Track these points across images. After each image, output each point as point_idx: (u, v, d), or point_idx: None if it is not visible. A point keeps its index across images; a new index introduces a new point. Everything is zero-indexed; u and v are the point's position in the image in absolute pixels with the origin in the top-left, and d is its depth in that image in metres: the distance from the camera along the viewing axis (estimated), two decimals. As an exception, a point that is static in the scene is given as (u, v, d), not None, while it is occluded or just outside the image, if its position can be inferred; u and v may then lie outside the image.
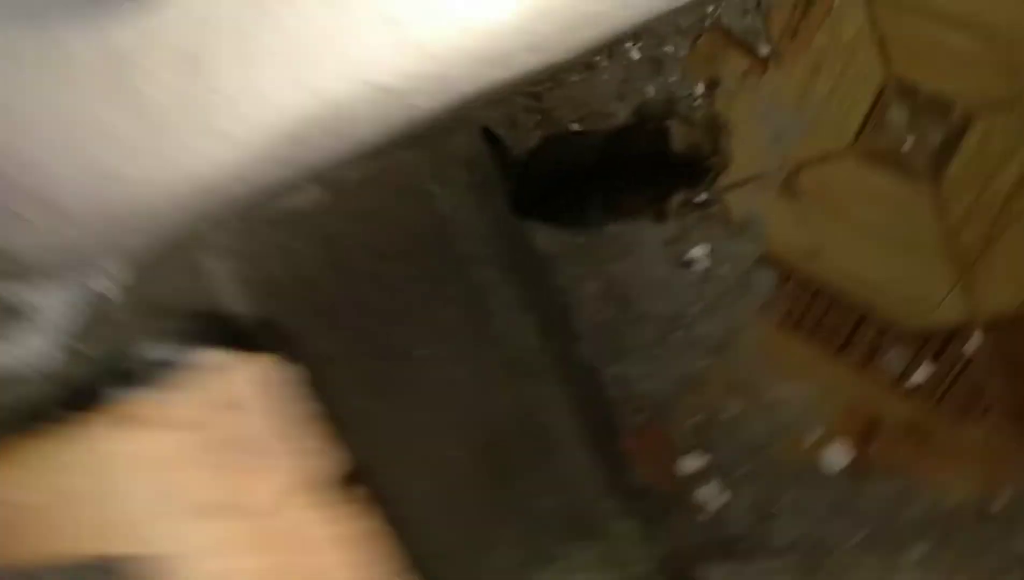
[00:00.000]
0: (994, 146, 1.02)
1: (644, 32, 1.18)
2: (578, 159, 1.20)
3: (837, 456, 1.27)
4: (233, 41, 0.54)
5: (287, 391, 0.74)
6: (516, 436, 1.31)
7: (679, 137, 1.11)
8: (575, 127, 1.29)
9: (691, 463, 1.42)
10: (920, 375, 1.18)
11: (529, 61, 0.65)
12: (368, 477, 1.09)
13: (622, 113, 1.25)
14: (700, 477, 1.42)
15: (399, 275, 1.21)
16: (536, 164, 1.28)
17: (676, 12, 1.14)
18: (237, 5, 0.52)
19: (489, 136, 1.33)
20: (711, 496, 1.41)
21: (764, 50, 1.12)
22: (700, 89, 1.19)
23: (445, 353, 1.24)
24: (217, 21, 0.55)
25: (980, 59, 0.99)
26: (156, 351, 0.75)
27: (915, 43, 1.02)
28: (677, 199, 1.20)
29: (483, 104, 1.29)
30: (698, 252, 1.28)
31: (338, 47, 0.56)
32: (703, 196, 1.24)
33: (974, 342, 1.12)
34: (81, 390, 0.72)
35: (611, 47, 1.22)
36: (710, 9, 1.13)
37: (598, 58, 1.24)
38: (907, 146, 1.07)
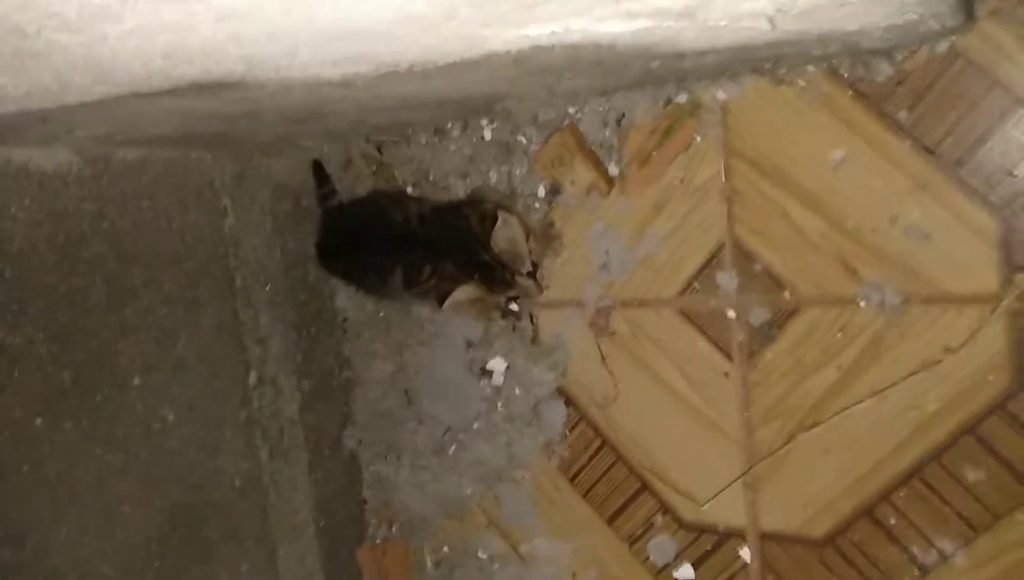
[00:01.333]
0: (817, 342, 0.91)
1: (501, 114, 1.06)
2: (398, 226, 1.06)
3: (576, 638, 1.11)
4: None
5: None
6: (228, 513, 1.10)
7: (503, 236, 0.98)
8: (407, 190, 1.16)
9: (429, 588, 1.23)
10: (683, 574, 1.03)
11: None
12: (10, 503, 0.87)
13: (460, 190, 1.12)
14: (434, 618, 1.23)
15: (147, 285, 1.02)
16: (355, 216, 1.13)
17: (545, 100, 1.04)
18: None
19: (318, 170, 1.18)
20: (437, 643, 1.22)
21: (613, 169, 1.01)
22: (542, 191, 1.07)
23: (172, 392, 1.04)
24: None
25: (824, 248, 0.90)
26: None
27: (765, 210, 0.92)
28: (484, 299, 1.06)
29: (316, 134, 1.14)
30: (496, 365, 1.14)
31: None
32: (514, 306, 1.11)
33: (745, 554, 0.99)
34: None
35: (466, 119, 1.11)
36: (572, 110, 1.02)
37: (450, 125, 1.12)
38: (731, 314, 0.96)
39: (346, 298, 1.25)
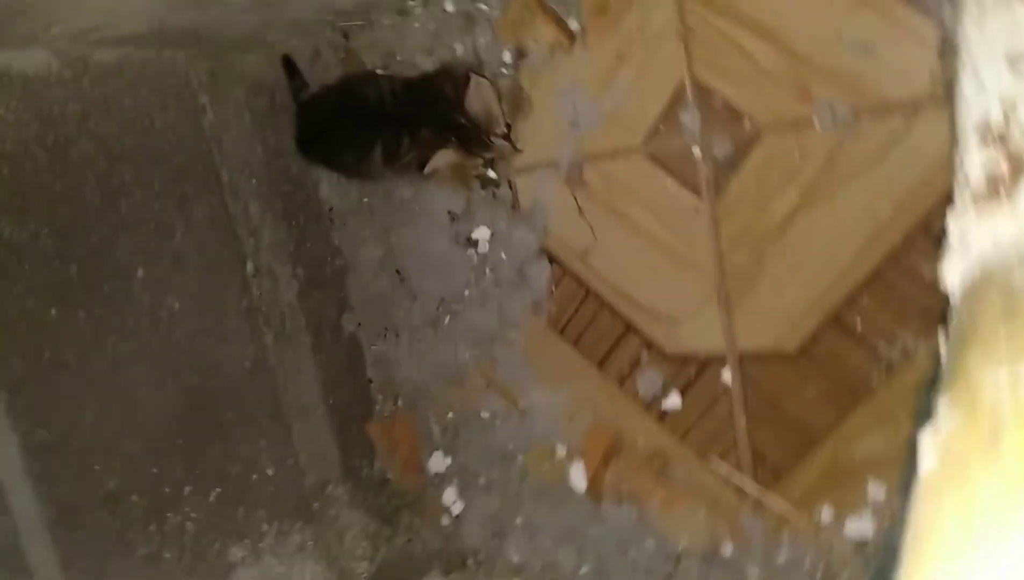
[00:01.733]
0: (777, 165, 0.97)
1: (460, -16, 1.09)
2: (372, 103, 1.10)
3: (579, 477, 1.19)
4: None
5: None
6: (242, 395, 1.17)
7: (476, 98, 1.03)
8: (378, 71, 1.19)
9: (436, 463, 1.31)
10: (671, 402, 1.11)
11: None
12: (27, 389, 0.93)
13: (428, 67, 1.16)
14: (443, 479, 1.31)
15: (137, 182, 1.06)
16: (328, 102, 1.17)
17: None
18: None
19: (288, 64, 1.22)
20: (450, 501, 1.30)
21: (574, 24, 1.05)
22: (507, 57, 1.11)
23: (173, 282, 1.09)
24: None
25: (777, 75, 0.95)
26: None
27: (719, 45, 0.97)
28: (464, 164, 1.10)
29: (283, 27, 1.17)
30: (481, 233, 1.20)
31: None
32: (492, 173, 1.16)
33: (726, 376, 1.06)
34: None
35: (428, -5, 1.14)
36: (529, -29, 1.06)
37: (412, 3, 1.15)
38: (696, 152, 1.01)
39: (329, 188, 1.29)
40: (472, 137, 1.04)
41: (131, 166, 1.05)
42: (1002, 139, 0.37)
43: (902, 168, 0.90)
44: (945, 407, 0.32)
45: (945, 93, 0.86)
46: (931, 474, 0.31)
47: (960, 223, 0.39)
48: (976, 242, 0.37)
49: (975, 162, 0.38)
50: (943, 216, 0.88)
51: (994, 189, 0.37)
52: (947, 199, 0.87)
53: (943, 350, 0.41)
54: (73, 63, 1.01)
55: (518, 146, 1.10)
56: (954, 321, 0.37)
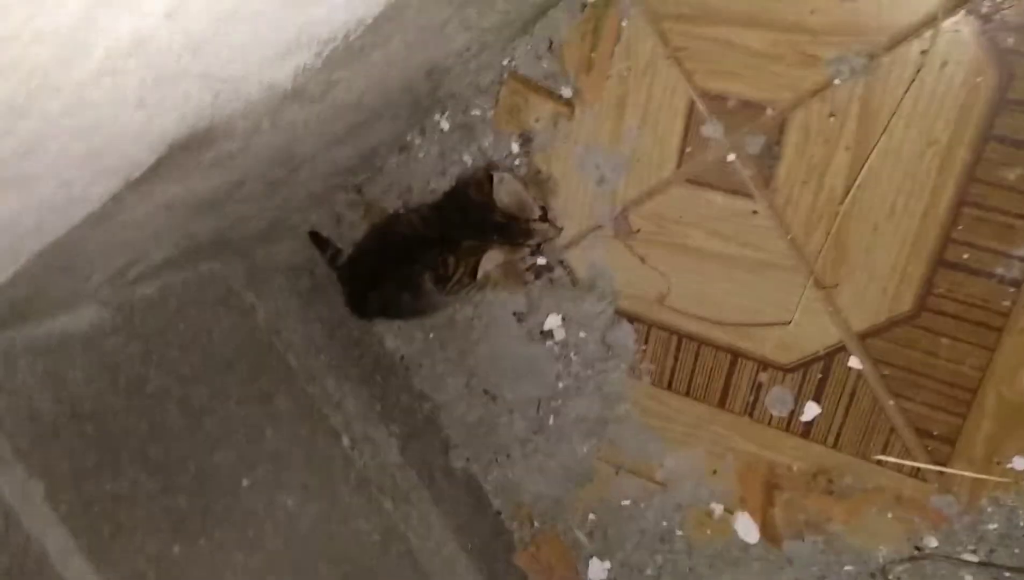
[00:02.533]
0: (816, 137, 0.94)
1: (448, 100, 1.12)
2: (406, 239, 1.10)
3: (748, 526, 1.11)
4: None
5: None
6: (381, 569, 1.12)
7: (504, 193, 1.03)
8: (400, 211, 1.20)
9: (596, 571, 1.23)
10: (809, 413, 1.04)
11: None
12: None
13: (446, 187, 1.17)
14: (609, 584, 1.23)
15: (214, 397, 1.06)
16: (366, 256, 1.18)
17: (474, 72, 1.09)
18: None
19: (316, 238, 1.24)
20: (626, 605, 1.22)
21: (566, 91, 1.06)
22: (515, 146, 1.11)
23: (279, 480, 1.07)
24: None
25: (778, 54, 0.94)
26: None
27: (711, 51, 0.97)
28: (512, 261, 1.09)
29: (301, 206, 1.20)
30: (552, 322, 1.17)
31: None
32: (542, 260, 1.15)
33: (854, 363, 1.00)
34: None
35: (421, 123, 1.16)
36: (505, 62, 1.07)
37: (410, 137, 1.17)
38: (731, 158, 0.99)
39: (393, 338, 1.28)
40: (512, 231, 1.03)
41: (204, 384, 1.06)
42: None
43: (941, 85, 0.87)
44: None
45: None
46: None
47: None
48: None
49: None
50: (1001, 117, 0.84)
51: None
52: (1001, 99, 0.84)
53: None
54: (120, 307, 1.03)
55: (558, 224, 1.08)
56: None
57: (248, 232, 1.14)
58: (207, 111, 0.66)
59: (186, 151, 0.70)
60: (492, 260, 1.03)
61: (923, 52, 0.87)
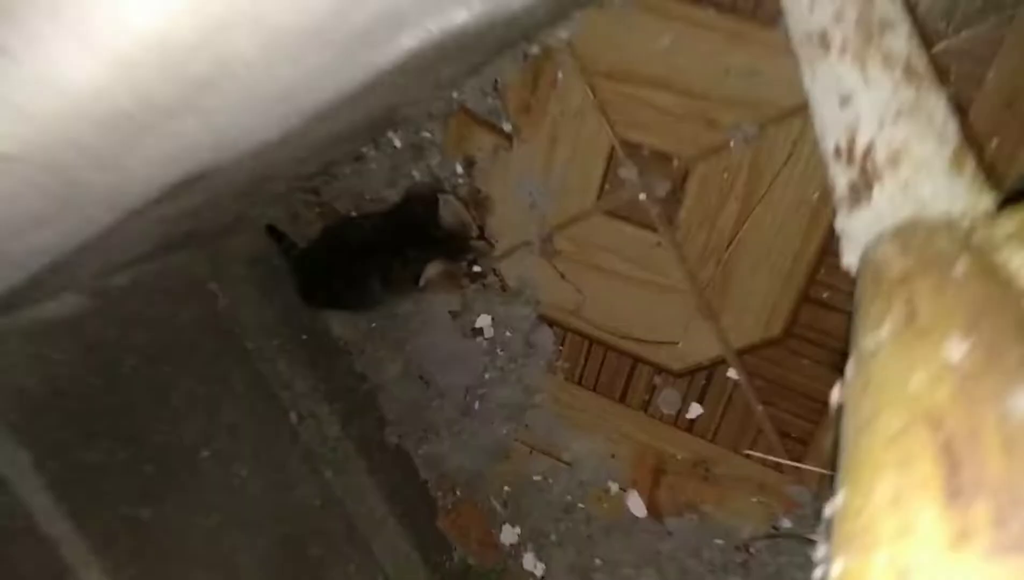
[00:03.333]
0: (712, 188, 1.12)
1: (401, 121, 1.25)
2: (357, 242, 1.24)
3: (637, 503, 1.31)
4: None
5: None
6: (322, 528, 1.29)
7: (447, 213, 1.18)
8: (352, 214, 1.34)
9: (508, 535, 1.42)
10: (693, 412, 1.24)
11: (191, 131, 0.68)
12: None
13: (394, 198, 1.31)
14: (518, 548, 1.42)
15: (179, 375, 1.19)
16: (319, 253, 1.31)
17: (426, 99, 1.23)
18: None
19: (272, 232, 1.36)
20: (531, 565, 1.41)
21: (507, 126, 1.21)
22: (459, 169, 1.26)
23: (234, 451, 1.22)
24: None
25: (686, 115, 1.11)
26: None
27: (631, 106, 1.13)
28: (452, 270, 1.25)
29: (263, 202, 1.32)
30: (483, 321, 1.33)
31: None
32: (477, 268, 1.30)
33: (732, 374, 1.20)
34: None
35: (375, 138, 1.29)
36: (455, 95, 1.22)
37: (365, 149, 1.31)
38: (642, 197, 1.16)
39: (339, 325, 1.43)
40: (452, 246, 1.19)
41: (170, 364, 1.19)
42: (851, 156, 0.52)
43: (815, 156, 1.06)
44: (849, 368, 0.46)
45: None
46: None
47: (841, 223, 0.53)
48: (855, 235, 0.51)
49: (841, 178, 0.53)
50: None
51: (856, 195, 0.51)
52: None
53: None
54: (97, 294, 1.14)
55: (492, 241, 1.24)
56: (856, 296, 0.51)
57: (214, 227, 1.27)
58: (207, 158, 0.80)
59: (184, 188, 0.84)
60: (433, 269, 1.18)
61: (804, 126, 1.05)
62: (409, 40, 0.75)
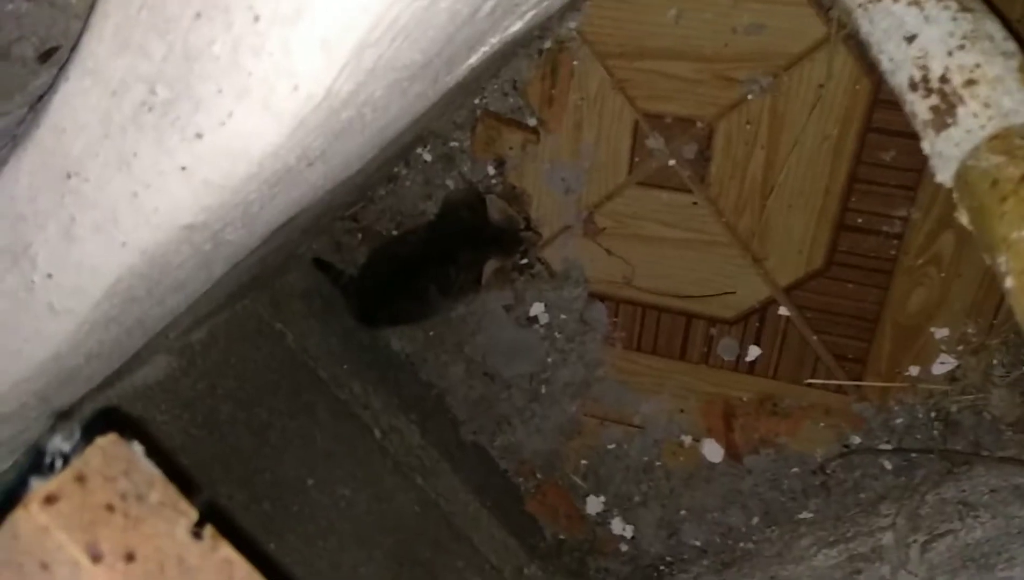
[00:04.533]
0: (737, 141, 1.19)
1: (429, 137, 1.31)
2: (408, 257, 1.29)
3: (713, 449, 1.39)
4: (50, 230, 0.59)
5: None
6: (426, 532, 1.35)
7: (494, 210, 1.23)
8: (394, 233, 1.40)
9: (593, 505, 1.49)
10: (752, 354, 1.32)
11: (314, 176, 0.74)
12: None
13: (433, 210, 1.37)
14: (605, 516, 1.49)
15: (271, 414, 1.25)
16: (369, 274, 1.37)
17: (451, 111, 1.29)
18: (51, 197, 0.57)
19: (320, 264, 1.42)
20: (620, 530, 1.48)
21: (532, 121, 1.27)
22: (491, 170, 1.33)
23: (334, 475, 1.27)
24: (35, 215, 0.60)
25: (701, 79, 1.18)
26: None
27: (648, 80, 1.20)
28: (504, 265, 1.31)
29: (305, 236, 1.38)
30: (536, 309, 1.40)
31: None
32: (524, 260, 1.37)
33: (783, 311, 1.27)
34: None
35: (406, 158, 1.35)
36: (477, 101, 1.28)
37: (397, 169, 1.36)
38: (671, 163, 1.23)
39: (398, 339, 1.49)
40: (505, 242, 1.25)
41: (260, 405, 1.24)
42: (927, 86, 0.59)
43: (830, 93, 1.13)
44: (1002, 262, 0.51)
45: (834, 28, 1.10)
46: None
47: (930, 146, 0.60)
48: (947, 153, 0.59)
49: (920, 106, 0.60)
50: (877, 113, 1.11)
51: (941, 119, 0.58)
52: (876, 99, 1.10)
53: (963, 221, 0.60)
54: (182, 352, 1.20)
55: (539, 230, 1.31)
56: (966, 204, 0.57)
57: (272, 268, 1.32)
58: (308, 198, 0.85)
59: (280, 229, 0.89)
60: (491, 267, 1.24)
61: (816, 68, 1.13)
62: (476, 58, 0.81)
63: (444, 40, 0.63)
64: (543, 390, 1.45)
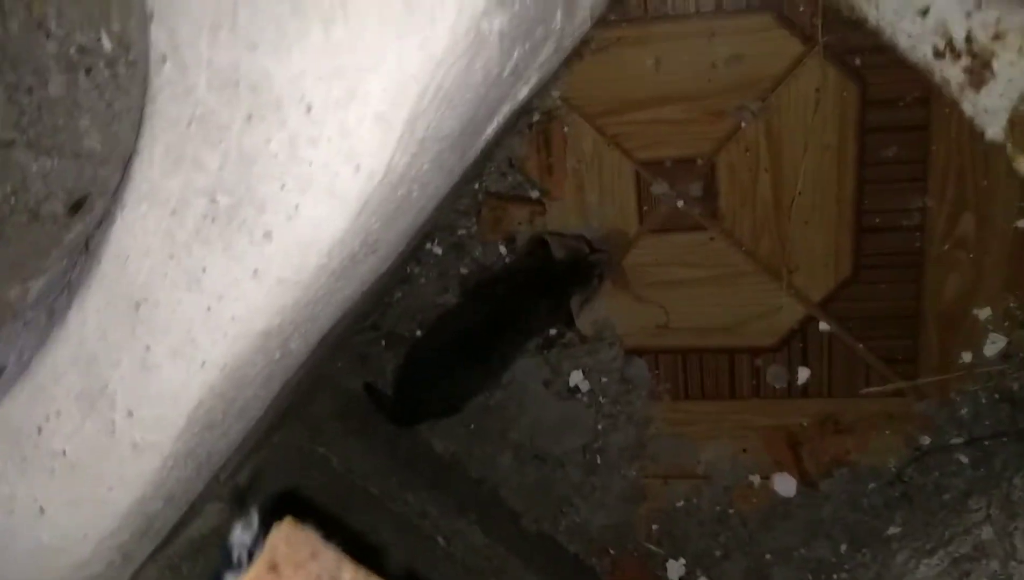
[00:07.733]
0: (741, 170, 1.21)
1: (434, 229, 1.31)
2: (469, 329, 1.24)
3: (785, 483, 1.35)
4: (125, 365, 0.57)
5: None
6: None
7: (556, 248, 1.20)
8: (418, 333, 1.38)
9: (675, 570, 1.43)
10: (802, 376, 1.30)
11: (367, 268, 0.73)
12: None
13: (452, 298, 1.36)
14: (689, 576, 1.43)
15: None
16: (407, 376, 1.33)
17: (453, 200, 1.29)
18: (121, 331, 0.56)
19: (370, 389, 1.36)
20: (709, 588, 1.42)
21: (535, 193, 1.28)
22: (503, 249, 1.32)
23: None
24: (107, 353, 0.58)
25: (691, 118, 1.20)
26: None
27: (640, 131, 1.22)
28: (590, 295, 1.27)
29: (332, 353, 1.35)
30: (575, 378, 1.37)
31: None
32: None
33: (823, 327, 1.26)
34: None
35: (415, 255, 1.35)
36: (476, 185, 1.29)
37: (408, 269, 1.36)
38: (680, 204, 1.24)
39: (439, 441, 1.45)
40: (581, 271, 1.22)
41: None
42: (954, 51, 0.60)
43: (823, 104, 1.15)
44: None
45: (806, 45, 1.13)
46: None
47: (972, 105, 0.61)
48: (992, 107, 0.59)
49: (952, 71, 0.60)
50: (870, 114, 1.13)
51: (978, 76, 0.59)
52: (864, 100, 1.12)
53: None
54: (230, 498, 1.15)
55: (604, 248, 1.26)
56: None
57: (300, 397, 1.29)
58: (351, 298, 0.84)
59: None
60: (578, 302, 1.21)
61: (800, 83, 1.15)
62: (491, 129, 0.82)
63: (477, 103, 0.63)
64: (598, 460, 1.41)
